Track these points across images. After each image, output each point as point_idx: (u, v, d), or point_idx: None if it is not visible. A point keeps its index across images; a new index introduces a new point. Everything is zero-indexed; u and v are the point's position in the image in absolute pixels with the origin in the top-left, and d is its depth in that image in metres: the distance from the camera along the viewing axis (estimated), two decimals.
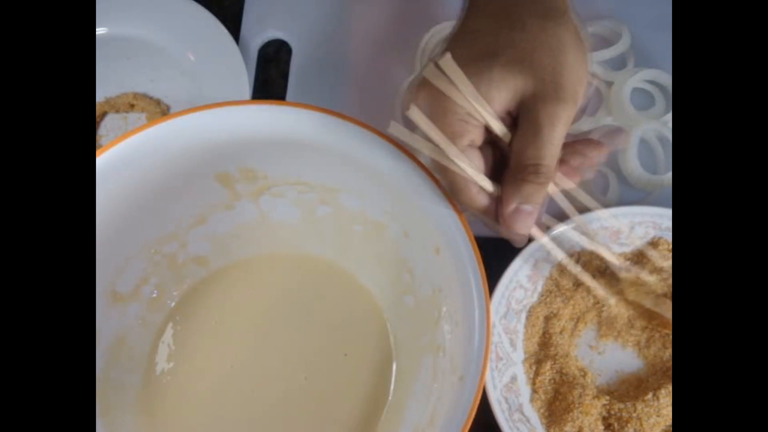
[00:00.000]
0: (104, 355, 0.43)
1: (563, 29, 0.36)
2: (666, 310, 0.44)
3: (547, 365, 0.46)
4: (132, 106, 0.55)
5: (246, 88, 0.53)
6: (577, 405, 0.44)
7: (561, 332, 0.47)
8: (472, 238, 0.37)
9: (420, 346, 0.44)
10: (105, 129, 0.55)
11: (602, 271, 0.48)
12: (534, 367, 0.46)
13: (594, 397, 0.44)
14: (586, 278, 0.45)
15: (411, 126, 0.54)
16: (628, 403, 0.44)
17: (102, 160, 0.37)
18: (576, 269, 0.44)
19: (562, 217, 0.45)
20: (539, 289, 0.48)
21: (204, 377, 0.46)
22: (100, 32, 0.57)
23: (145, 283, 0.46)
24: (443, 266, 0.39)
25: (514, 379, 0.46)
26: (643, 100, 0.54)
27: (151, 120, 0.45)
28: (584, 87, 0.36)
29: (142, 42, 0.57)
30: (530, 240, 0.38)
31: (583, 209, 0.48)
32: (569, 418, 0.44)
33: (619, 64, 0.55)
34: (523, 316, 0.47)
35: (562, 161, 0.37)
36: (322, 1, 0.59)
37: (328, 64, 0.57)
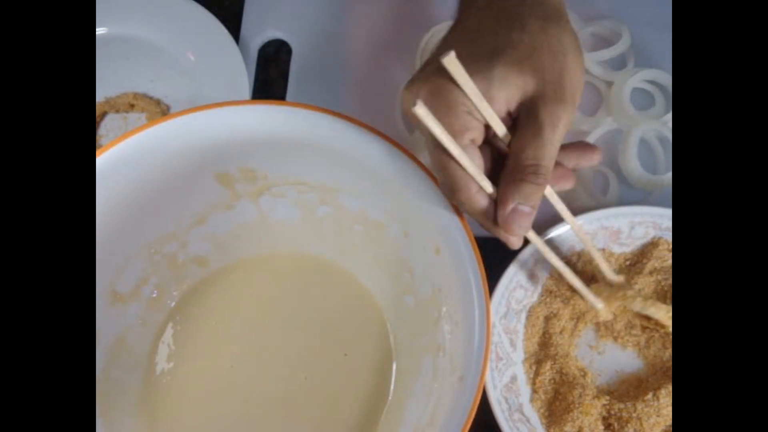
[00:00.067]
0: (104, 355, 0.43)
1: (563, 31, 0.36)
2: (655, 312, 0.44)
3: (547, 365, 0.46)
4: (132, 106, 0.55)
5: (246, 88, 0.53)
6: (577, 405, 0.44)
7: (561, 332, 0.47)
8: (472, 238, 0.37)
9: (420, 346, 0.44)
10: (105, 129, 0.55)
11: (603, 271, 0.48)
12: (534, 367, 0.46)
13: (594, 397, 0.44)
14: (576, 282, 0.44)
15: (410, 126, 0.54)
16: (628, 403, 0.44)
17: (102, 160, 0.37)
18: (566, 272, 0.44)
19: (555, 219, 0.45)
20: (539, 289, 0.48)
21: (204, 377, 0.46)
22: (100, 32, 0.57)
23: (145, 283, 0.46)
24: (443, 266, 0.39)
25: (514, 379, 0.46)
26: (643, 100, 0.54)
27: (151, 120, 0.45)
28: (581, 90, 0.36)
29: (142, 42, 0.57)
30: (525, 243, 0.38)
31: (582, 209, 0.48)
32: (569, 418, 0.44)
33: (619, 64, 0.55)
34: (523, 316, 0.47)
35: (556, 164, 0.37)
36: (322, 1, 0.59)
37: (328, 64, 0.57)
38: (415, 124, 0.37)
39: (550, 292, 0.47)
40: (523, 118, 0.35)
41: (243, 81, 0.54)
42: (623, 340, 0.47)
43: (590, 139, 0.52)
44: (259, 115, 0.39)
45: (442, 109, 0.33)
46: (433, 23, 0.55)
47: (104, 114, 0.55)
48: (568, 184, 0.39)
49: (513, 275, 0.46)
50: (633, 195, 0.51)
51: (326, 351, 0.46)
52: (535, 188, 0.34)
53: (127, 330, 0.45)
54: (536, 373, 0.46)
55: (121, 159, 0.38)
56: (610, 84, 0.54)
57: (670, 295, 0.47)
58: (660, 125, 0.52)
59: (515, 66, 0.34)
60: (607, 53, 0.54)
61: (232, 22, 0.58)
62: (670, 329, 0.46)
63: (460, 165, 0.34)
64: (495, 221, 0.35)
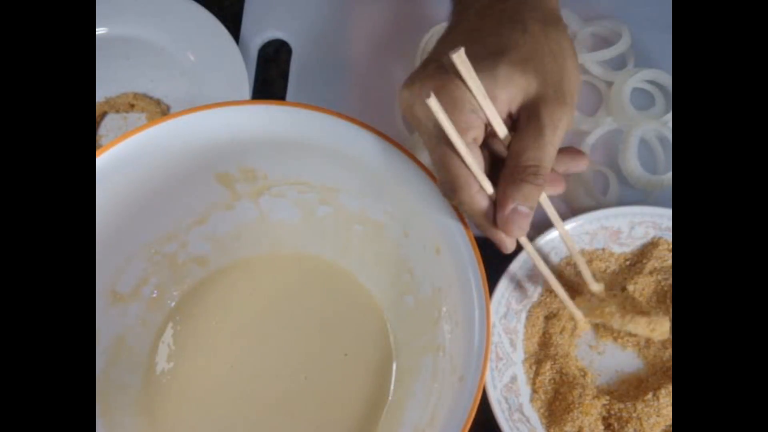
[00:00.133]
0: (104, 355, 0.43)
1: (562, 36, 0.37)
2: (634, 328, 0.44)
3: (547, 365, 0.46)
4: (132, 106, 0.55)
5: (246, 88, 0.53)
6: (577, 405, 0.44)
7: (561, 332, 0.47)
8: (472, 238, 0.37)
9: (420, 346, 0.44)
10: (105, 129, 0.55)
11: (603, 271, 0.48)
12: (534, 367, 0.46)
13: (594, 397, 0.44)
14: (560, 291, 0.44)
15: (410, 126, 0.54)
16: (628, 403, 0.44)
17: (102, 160, 0.37)
18: (552, 280, 0.43)
19: (546, 225, 0.45)
20: (539, 289, 0.48)
21: (204, 377, 0.46)
22: (100, 32, 0.57)
23: (145, 283, 0.46)
24: (443, 266, 0.39)
25: (514, 379, 0.46)
26: (643, 100, 0.54)
27: (151, 120, 0.45)
28: (578, 94, 0.36)
29: (142, 42, 0.57)
30: (518, 247, 0.38)
31: (582, 209, 0.48)
32: (569, 418, 0.44)
33: (619, 64, 0.55)
34: (523, 316, 0.47)
35: None
36: (322, 1, 0.59)
37: (328, 64, 0.57)
38: (411, 122, 0.37)
39: (550, 292, 0.47)
40: (524, 120, 0.35)
41: (243, 81, 0.54)
42: (623, 340, 0.47)
43: (590, 139, 0.52)
44: (259, 115, 0.39)
45: (447, 106, 0.33)
46: (433, 23, 0.55)
47: (104, 114, 0.55)
48: (559, 189, 0.39)
49: (513, 275, 0.46)
50: (633, 195, 0.51)
51: (326, 351, 0.46)
52: (535, 189, 0.34)
53: (127, 330, 0.45)
54: (536, 373, 0.46)
55: (121, 159, 0.38)
56: (610, 84, 0.54)
57: (670, 295, 0.47)
58: (660, 125, 0.52)
59: (519, 66, 0.34)
60: (607, 53, 0.54)
61: (232, 22, 0.58)
62: (655, 340, 0.46)
63: (463, 163, 0.34)
64: (494, 222, 0.35)
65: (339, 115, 0.39)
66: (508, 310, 0.46)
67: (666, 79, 0.53)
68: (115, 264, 0.43)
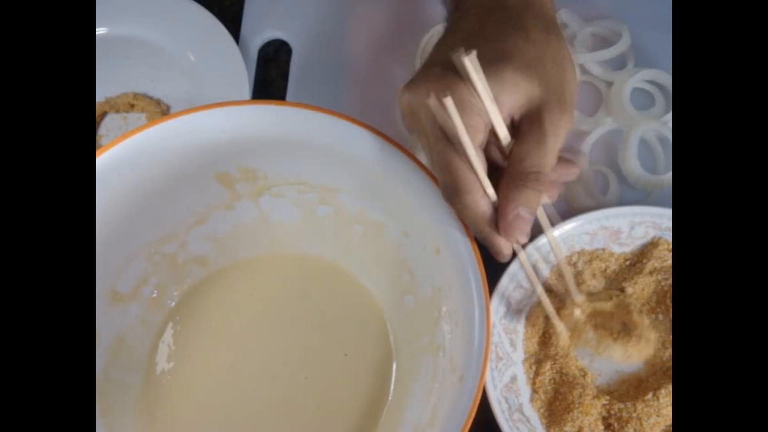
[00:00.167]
0: (104, 355, 0.43)
1: (561, 44, 0.37)
2: (609, 356, 0.44)
3: (547, 365, 0.46)
4: (132, 106, 0.55)
5: (246, 88, 0.53)
6: (577, 405, 0.44)
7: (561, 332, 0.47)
8: (472, 238, 0.37)
9: (420, 346, 0.44)
10: (105, 129, 0.55)
11: (603, 270, 0.48)
12: (534, 367, 0.46)
13: (594, 397, 0.44)
14: (549, 307, 0.44)
15: (409, 127, 0.54)
16: (628, 403, 0.44)
17: (102, 160, 0.37)
18: (542, 295, 0.43)
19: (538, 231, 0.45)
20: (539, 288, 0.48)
21: (204, 377, 0.46)
22: (100, 32, 0.57)
23: (145, 283, 0.46)
24: (443, 266, 0.39)
25: (514, 379, 0.46)
26: (643, 100, 0.54)
27: (151, 120, 0.45)
28: (576, 102, 0.37)
29: (142, 42, 0.57)
30: (514, 255, 0.38)
31: (582, 209, 0.48)
32: (569, 418, 0.44)
33: (619, 64, 0.55)
34: (523, 316, 0.47)
35: None
36: (322, 1, 0.59)
37: (328, 64, 0.57)
38: (412, 125, 0.37)
39: (550, 291, 0.47)
40: (527, 125, 0.35)
41: (243, 81, 0.54)
42: (623, 341, 0.47)
43: (590, 139, 0.52)
44: (259, 115, 0.39)
45: (457, 105, 0.33)
46: (433, 23, 0.55)
47: (104, 114, 0.55)
48: (554, 196, 0.39)
49: (513, 275, 0.46)
50: (633, 195, 0.51)
51: (326, 351, 0.46)
52: (537, 194, 0.34)
53: (127, 330, 0.45)
54: (536, 373, 0.46)
55: (121, 159, 0.38)
56: (610, 84, 0.54)
57: (670, 295, 0.47)
58: (660, 125, 0.52)
59: (523, 72, 0.34)
60: (607, 53, 0.54)
61: (232, 22, 0.58)
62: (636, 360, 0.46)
63: (468, 166, 0.34)
64: (495, 227, 0.35)
65: (339, 115, 0.39)
66: (508, 310, 0.46)
67: (666, 79, 0.53)
68: (115, 264, 0.43)
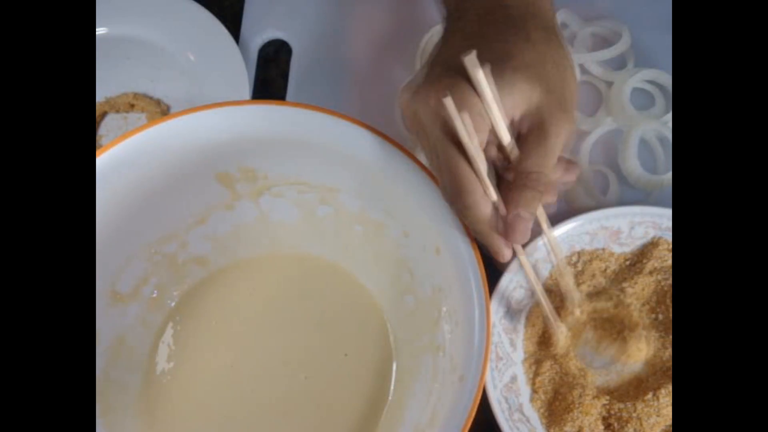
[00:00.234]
0: (104, 355, 0.43)
1: (561, 46, 0.37)
2: (610, 354, 0.45)
3: (547, 365, 0.46)
4: (132, 106, 0.55)
5: (246, 88, 0.53)
6: (577, 405, 0.44)
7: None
8: (472, 238, 0.37)
9: (420, 346, 0.44)
10: (105, 129, 0.55)
11: (603, 270, 0.48)
12: (534, 367, 0.46)
13: (594, 397, 0.44)
14: (547, 310, 0.44)
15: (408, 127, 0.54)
16: (628, 403, 0.44)
17: (102, 160, 0.37)
18: (542, 298, 0.43)
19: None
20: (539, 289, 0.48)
21: (204, 377, 0.46)
22: (100, 32, 0.57)
23: (145, 283, 0.46)
24: (443, 266, 0.39)
25: (514, 379, 0.46)
26: (643, 100, 0.54)
27: (151, 120, 0.45)
28: (576, 102, 0.37)
29: (142, 42, 0.57)
30: (514, 255, 0.38)
31: (582, 209, 0.48)
32: (569, 418, 0.44)
33: (619, 64, 0.55)
34: (523, 316, 0.47)
35: None
36: (322, 1, 0.59)
37: (328, 64, 0.57)
38: (411, 125, 0.37)
39: (551, 291, 0.47)
40: (528, 127, 0.35)
41: (243, 81, 0.54)
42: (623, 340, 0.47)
43: (590, 139, 0.52)
44: (259, 115, 0.39)
45: (460, 105, 0.33)
46: (433, 23, 0.55)
47: (104, 114, 0.55)
48: (553, 197, 0.39)
49: (513, 275, 0.46)
50: (633, 195, 0.51)
51: (326, 351, 0.46)
52: (538, 196, 0.34)
53: (127, 330, 0.45)
54: (536, 373, 0.46)
55: (121, 159, 0.38)
56: (610, 84, 0.54)
57: (670, 295, 0.47)
58: (660, 125, 0.52)
59: (524, 73, 0.34)
60: (607, 53, 0.54)
61: (232, 22, 0.58)
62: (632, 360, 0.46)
63: (470, 167, 0.34)
64: (495, 228, 0.35)
65: (339, 115, 0.39)
66: (508, 310, 0.46)
67: (666, 79, 0.53)
68: (115, 264, 0.43)
